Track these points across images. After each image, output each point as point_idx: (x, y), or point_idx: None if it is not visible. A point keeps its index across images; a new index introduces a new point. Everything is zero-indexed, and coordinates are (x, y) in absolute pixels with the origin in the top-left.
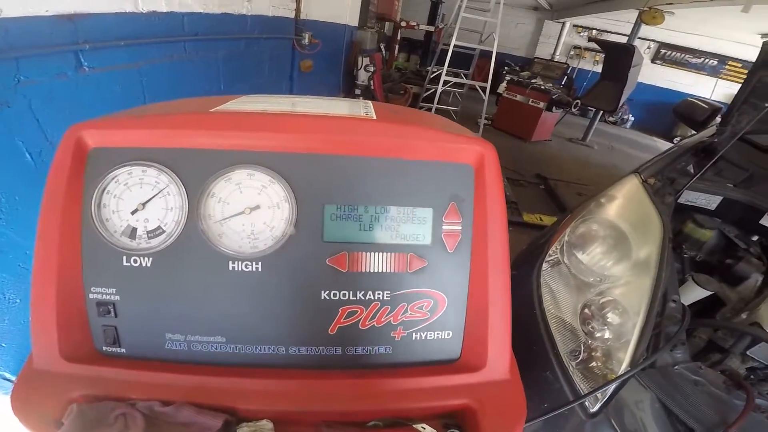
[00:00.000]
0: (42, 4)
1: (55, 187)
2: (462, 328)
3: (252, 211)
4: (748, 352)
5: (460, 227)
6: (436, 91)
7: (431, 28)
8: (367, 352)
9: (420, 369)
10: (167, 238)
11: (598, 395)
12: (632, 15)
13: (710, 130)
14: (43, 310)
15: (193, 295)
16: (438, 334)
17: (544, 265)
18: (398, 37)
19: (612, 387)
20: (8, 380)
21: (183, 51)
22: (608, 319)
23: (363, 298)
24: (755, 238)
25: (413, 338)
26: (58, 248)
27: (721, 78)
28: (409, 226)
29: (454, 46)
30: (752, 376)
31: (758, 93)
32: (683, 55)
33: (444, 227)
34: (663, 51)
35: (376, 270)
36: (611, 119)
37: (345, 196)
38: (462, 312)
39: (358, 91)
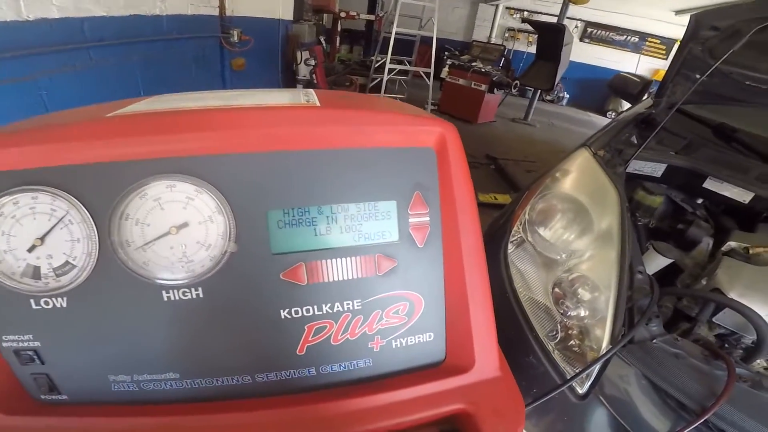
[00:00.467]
0: None
1: None
2: (443, 328)
3: (179, 229)
4: (713, 319)
5: (428, 218)
6: (382, 81)
7: (372, 17)
8: (344, 368)
9: (405, 378)
10: (80, 273)
11: (584, 376)
12: None
13: (646, 102)
14: None
15: (128, 332)
16: (419, 337)
17: (509, 246)
18: (339, 29)
19: (597, 367)
20: None
21: (88, 58)
22: (580, 296)
23: (330, 311)
24: (700, 201)
25: (393, 346)
26: None
27: (643, 54)
28: (372, 223)
29: (396, 33)
30: (726, 345)
31: (689, 64)
32: (608, 33)
33: (411, 220)
34: (590, 30)
35: (341, 278)
36: (548, 98)
37: (292, 198)
38: (441, 311)
39: (299, 86)
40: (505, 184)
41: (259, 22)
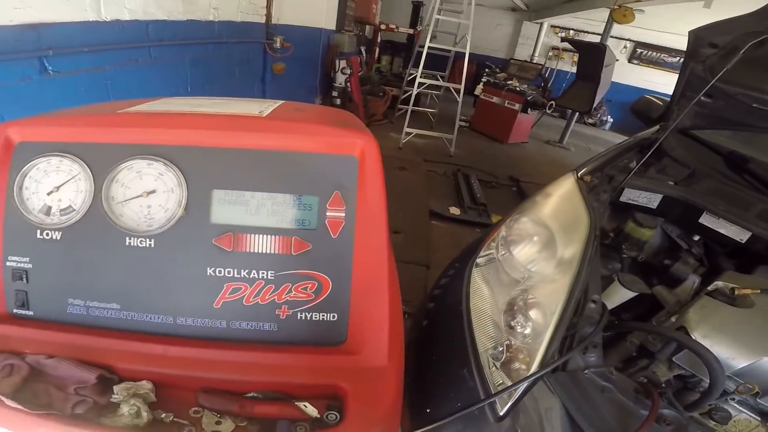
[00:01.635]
0: (6, 15)
1: None
2: (347, 312)
3: (149, 194)
4: (673, 359)
5: (344, 214)
6: (412, 93)
7: (411, 31)
8: (251, 327)
9: (303, 348)
10: (75, 215)
11: (505, 397)
12: (606, 14)
13: (656, 126)
14: None
15: (94, 266)
16: (323, 315)
17: (480, 260)
18: (378, 40)
19: (520, 389)
20: None
21: (148, 55)
22: (530, 318)
23: (247, 276)
24: (697, 237)
25: (298, 318)
26: None
27: None
28: (294, 211)
29: (429, 48)
30: (664, 386)
31: (692, 85)
32: (659, 54)
33: (328, 214)
34: (639, 50)
35: (260, 251)
36: (590, 121)
37: (233, 183)
38: (346, 296)
39: (335, 93)
40: None
41: (302, 31)
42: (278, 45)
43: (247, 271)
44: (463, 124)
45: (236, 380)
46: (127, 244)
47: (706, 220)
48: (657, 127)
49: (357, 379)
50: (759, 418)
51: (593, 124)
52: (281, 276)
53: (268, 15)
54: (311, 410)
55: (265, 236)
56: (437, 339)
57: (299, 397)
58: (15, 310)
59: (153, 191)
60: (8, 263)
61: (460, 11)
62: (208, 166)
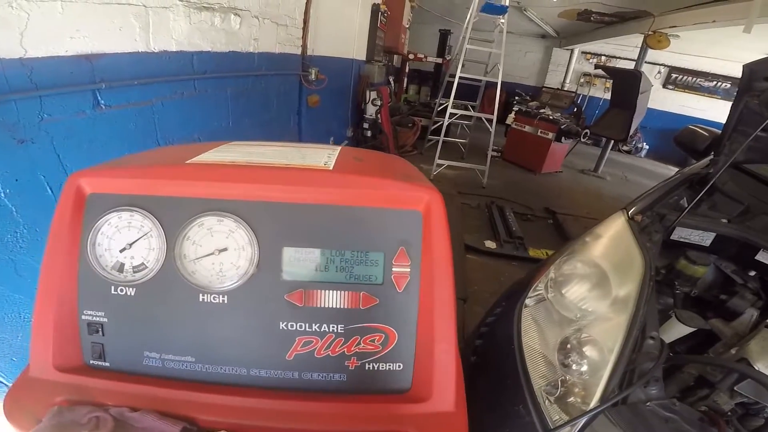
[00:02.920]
0: (62, 45)
1: (59, 226)
2: (412, 362)
3: (220, 252)
4: (735, 388)
5: (409, 269)
6: (443, 124)
7: (439, 60)
8: (322, 378)
9: (371, 397)
10: (149, 272)
11: (567, 430)
12: (639, 39)
13: (706, 160)
14: (43, 328)
15: (168, 321)
16: (390, 365)
17: (529, 301)
18: (407, 70)
19: (581, 422)
20: (4, 384)
21: (193, 88)
22: (585, 355)
23: (318, 329)
24: (752, 273)
25: (366, 368)
26: (58, 277)
27: None
28: (362, 267)
29: (459, 77)
30: (729, 414)
31: (746, 120)
32: (695, 78)
33: (394, 269)
34: (674, 75)
35: (330, 306)
36: (625, 148)
37: (302, 239)
38: (412, 346)
39: (366, 125)
40: (562, 239)
41: (335, 62)
42: (313, 77)
43: (318, 325)
44: (494, 154)
45: (309, 429)
46: (200, 300)
47: (763, 257)
48: (707, 161)
49: (424, 425)
50: None
51: (628, 152)
52: (350, 329)
53: (304, 46)
54: None
55: (334, 292)
56: (487, 376)
57: None
58: (92, 361)
59: (225, 249)
60: (84, 317)
61: (491, 40)
62: (278, 222)
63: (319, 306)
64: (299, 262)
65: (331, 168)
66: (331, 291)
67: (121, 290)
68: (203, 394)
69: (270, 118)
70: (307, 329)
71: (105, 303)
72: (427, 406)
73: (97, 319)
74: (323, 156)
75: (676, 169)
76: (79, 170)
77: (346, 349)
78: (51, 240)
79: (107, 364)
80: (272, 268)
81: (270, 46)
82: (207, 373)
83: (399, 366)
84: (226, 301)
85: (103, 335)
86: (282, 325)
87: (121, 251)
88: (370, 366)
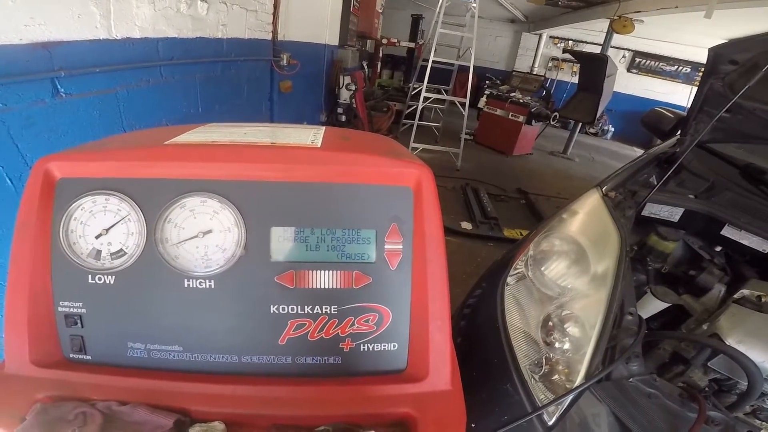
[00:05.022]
0: (16, 33)
1: (27, 214)
2: (407, 341)
3: (205, 234)
4: (708, 364)
5: (401, 246)
6: (417, 108)
7: (412, 45)
8: (316, 362)
9: (367, 378)
10: (128, 259)
11: (553, 408)
12: (605, 24)
13: (673, 140)
14: (16, 322)
15: (152, 309)
16: (384, 345)
17: (510, 279)
18: (380, 55)
19: (568, 399)
20: None
21: (159, 75)
22: (568, 332)
23: (311, 312)
24: (719, 248)
25: (361, 349)
26: (29, 268)
27: (695, 85)
28: (353, 246)
29: (433, 62)
30: (706, 389)
31: (710, 100)
32: (657, 63)
33: (386, 246)
34: (638, 60)
35: (322, 286)
36: (592, 131)
37: (291, 219)
38: (406, 325)
39: (340, 110)
40: (535, 219)
41: (307, 47)
42: (285, 62)
43: (310, 307)
44: (467, 137)
45: (305, 415)
46: (185, 285)
47: (728, 232)
48: (674, 140)
49: (422, 405)
50: None
51: (595, 134)
52: (344, 310)
53: (275, 31)
54: None
55: (326, 272)
56: (473, 356)
57: (367, 426)
58: (72, 355)
59: (209, 231)
60: (60, 308)
61: (463, 24)
62: (266, 201)
63: (310, 287)
64: (288, 242)
65: (319, 146)
66: (323, 271)
67: (99, 279)
68: (194, 383)
69: (241, 104)
70: (299, 312)
71: (82, 293)
72: (423, 386)
73: (75, 310)
74: (309, 135)
75: (641, 151)
76: (47, 155)
77: (340, 331)
78: (18, 229)
79: (89, 357)
80: (260, 249)
81: (239, 32)
82: (196, 362)
83: (394, 346)
84: (213, 286)
85: (83, 327)
86: (273, 309)
87: (96, 237)
88: (365, 347)
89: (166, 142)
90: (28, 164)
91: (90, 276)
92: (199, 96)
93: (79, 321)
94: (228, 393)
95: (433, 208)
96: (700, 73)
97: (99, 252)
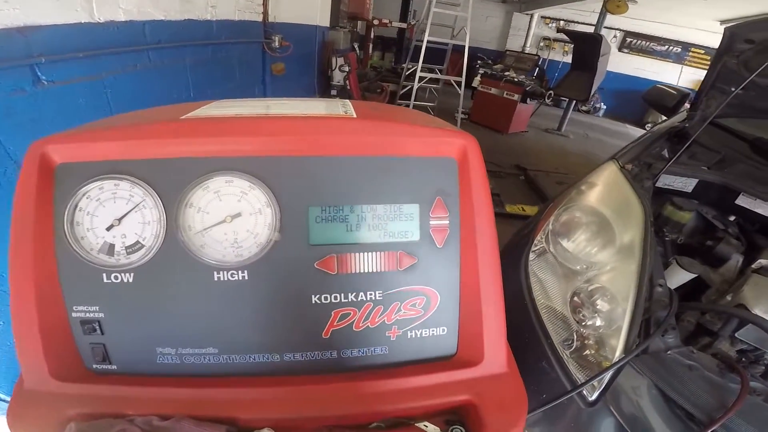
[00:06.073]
0: None
1: (23, 207)
2: (456, 324)
3: (233, 218)
4: (736, 335)
5: (448, 221)
6: (412, 88)
7: (404, 25)
8: (363, 353)
9: (418, 367)
10: (147, 252)
11: (595, 383)
12: (597, 5)
13: (681, 115)
14: (27, 332)
15: (180, 308)
16: (433, 330)
17: (531, 255)
18: (372, 36)
19: (608, 375)
20: (2, 400)
21: (147, 60)
22: (598, 306)
23: (355, 299)
24: (732, 218)
25: (408, 336)
26: (33, 270)
27: (686, 65)
28: (396, 223)
29: (427, 41)
30: (743, 359)
31: (723, 77)
32: (648, 43)
33: (431, 222)
34: (629, 39)
35: (366, 270)
36: (584, 108)
37: (329, 197)
38: (455, 307)
39: (333, 92)
40: (534, 195)
41: (299, 29)
42: (277, 44)
43: (354, 294)
44: (463, 116)
45: (355, 413)
46: (215, 279)
47: (743, 201)
48: (684, 115)
49: (480, 390)
50: None
51: (587, 112)
52: (389, 295)
53: (265, 13)
54: (432, 429)
55: (370, 254)
56: None
57: (418, 418)
58: (95, 366)
59: (238, 214)
60: (75, 314)
61: (456, 3)
62: (301, 178)
63: (353, 272)
64: (328, 222)
65: (355, 116)
66: (366, 253)
67: (116, 277)
68: (235, 389)
69: (234, 87)
70: (343, 300)
71: (97, 295)
72: (477, 370)
73: (91, 315)
74: (338, 106)
75: (632, 127)
76: (42, 137)
77: (386, 318)
78: (15, 226)
79: (114, 367)
80: (297, 232)
81: (229, 14)
82: (234, 365)
83: (443, 330)
84: (246, 278)
85: (103, 333)
86: (315, 299)
87: (108, 229)
88: (412, 333)
89: (182, 117)
90: (12, 158)
91: (105, 275)
92: (190, 80)
93: (98, 327)
94: (273, 396)
95: (481, 179)
96: (691, 53)
97: (112, 246)
